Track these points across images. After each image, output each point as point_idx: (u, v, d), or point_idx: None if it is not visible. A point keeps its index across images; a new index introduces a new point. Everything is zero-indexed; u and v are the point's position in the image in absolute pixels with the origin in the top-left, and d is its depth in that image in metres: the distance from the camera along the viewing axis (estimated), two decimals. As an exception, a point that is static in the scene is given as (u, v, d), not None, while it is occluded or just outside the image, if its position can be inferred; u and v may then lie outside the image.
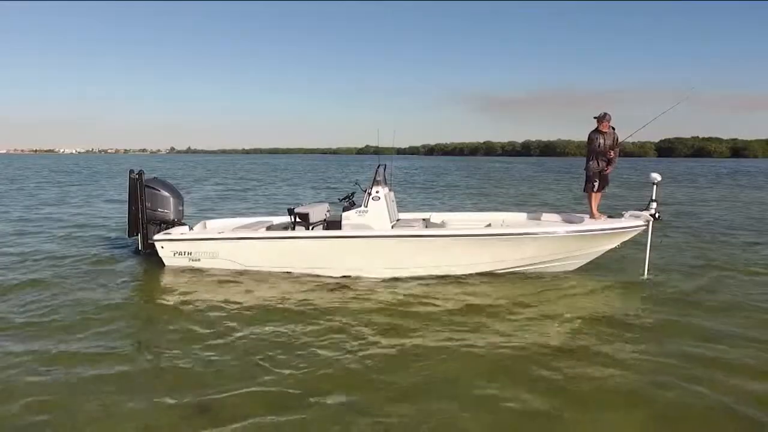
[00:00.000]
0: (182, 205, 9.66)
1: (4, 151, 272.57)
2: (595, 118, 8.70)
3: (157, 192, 9.29)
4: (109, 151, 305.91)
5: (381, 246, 8.35)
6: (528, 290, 7.85)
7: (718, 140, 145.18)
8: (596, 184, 8.80)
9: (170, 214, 9.31)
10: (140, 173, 9.31)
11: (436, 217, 9.78)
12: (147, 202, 9.17)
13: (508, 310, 6.99)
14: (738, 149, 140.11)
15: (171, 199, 9.35)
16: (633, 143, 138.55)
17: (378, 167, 8.85)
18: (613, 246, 8.59)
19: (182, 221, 9.63)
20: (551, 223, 9.05)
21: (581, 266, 8.79)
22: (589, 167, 8.80)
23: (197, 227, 9.76)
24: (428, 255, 8.32)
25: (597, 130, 8.70)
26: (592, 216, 8.81)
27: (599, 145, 8.59)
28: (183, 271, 8.75)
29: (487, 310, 6.99)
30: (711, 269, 9.13)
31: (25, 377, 5.02)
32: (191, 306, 7.19)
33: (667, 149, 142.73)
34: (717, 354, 5.49)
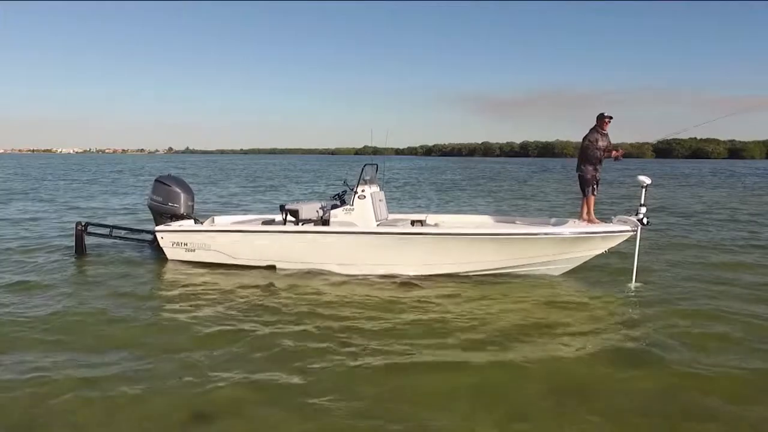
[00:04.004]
0: (192, 201, 10.23)
1: (1, 151, 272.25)
2: (606, 116, 8.37)
3: (168, 187, 9.98)
4: (107, 151, 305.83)
5: (363, 242, 8.50)
6: (514, 293, 7.84)
7: (716, 141, 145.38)
8: (595, 187, 8.56)
9: (180, 208, 9.91)
10: (86, 225, 10.28)
11: (432, 218, 9.82)
12: (159, 197, 9.91)
13: (493, 312, 6.99)
14: (736, 150, 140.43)
15: (182, 194, 9.98)
16: (631, 144, 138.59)
17: (365, 166, 8.96)
18: (601, 251, 8.43)
19: (191, 215, 10.08)
20: (538, 225, 9.00)
21: (568, 271, 8.69)
22: (587, 170, 8.52)
23: (207, 222, 10.24)
24: (412, 253, 8.41)
25: (599, 131, 8.42)
26: (590, 221, 8.61)
27: (600, 147, 8.31)
28: (180, 261, 9.38)
29: (471, 311, 7.00)
30: (699, 275, 8.99)
31: (12, 374, 5.09)
32: (180, 298, 7.52)
33: (665, 150, 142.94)
34: (706, 361, 5.47)
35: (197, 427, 4.24)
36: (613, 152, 8.44)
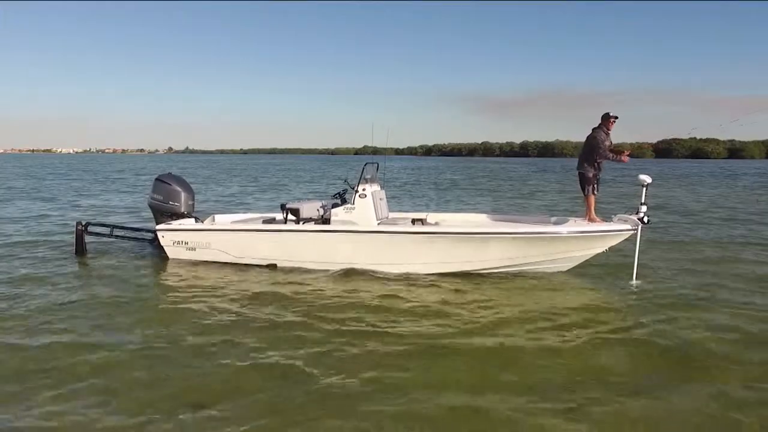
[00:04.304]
0: (193, 200, 10.24)
1: (1, 151, 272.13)
2: (612, 115, 8.41)
3: (169, 186, 9.99)
4: (106, 151, 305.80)
5: (364, 241, 8.56)
6: (514, 290, 7.88)
7: (716, 141, 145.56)
8: (595, 186, 8.59)
9: (180, 207, 9.93)
10: (86, 225, 10.30)
11: (432, 217, 9.86)
12: (159, 195, 9.92)
13: (494, 310, 7.02)
14: (736, 150, 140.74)
15: (182, 193, 9.99)
16: (630, 144, 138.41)
17: (365, 165, 9.00)
18: (601, 250, 8.46)
19: (192, 214, 10.10)
20: (539, 224, 9.01)
21: (569, 270, 8.72)
22: (589, 168, 8.53)
23: (207, 221, 10.26)
24: (413, 252, 8.45)
25: (603, 130, 8.45)
26: (590, 219, 8.64)
27: (605, 146, 8.34)
28: (181, 259, 9.40)
29: (471, 311, 7.03)
30: (700, 272, 9.04)
31: (17, 364, 5.17)
32: (180, 296, 7.54)
33: (664, 150, 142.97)
34: (707, 356, 5.51)
35: (198, 414, 4.30)
36: (624, 153, 8.40)
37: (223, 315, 6.68)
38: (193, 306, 7.06)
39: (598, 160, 8.49)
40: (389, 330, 6.18)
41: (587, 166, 8.59)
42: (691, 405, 4.52)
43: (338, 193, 9.38)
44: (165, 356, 5.40)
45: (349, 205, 8.69)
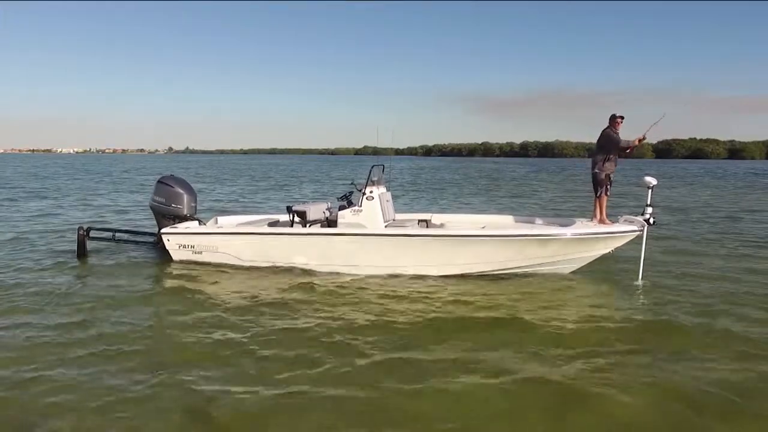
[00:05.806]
0: (195, 202, 10.12)
1: (1, 151, 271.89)
2: (618, 116, 8.60)
3: (171, 188, 9.83)
4: (106, 150, 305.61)
5: (372, 244, 8.57)
6: (520, 293, 7.91)
7: (716, 142, 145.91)
8: (608, 187, 8.69)
9: (183, 209, 9.80)
10: (88, 230, 10.27)
11: (437, 218, 9.88)
12: (161, 198, 9.77)
13: (500, 312, 7.06)
14: (736, 150, 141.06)
15: (184, 195, 9.84)
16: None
17: (372, 167, 9.02)
18: (607, 251, 8.54)
19: (195, 216, 10.02)
20: (543, 225, 9.04)
21: (574, 271, 8.77)
22: (605, 168, 8.62)
23: (210, 223, 10.20)
24: (420, 254, 8.47)
25: (612, 130, 8.59)
26: (600, 221, 8.73)
27: (618, 138, 8.45)
28: (187, 263, 9.27)
29: (479, 311, 7.08)
30: (705, 272, 9.13)
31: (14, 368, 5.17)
32: (187, 299, 7.54)
33: (664, 150, 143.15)
34: (712, 355, 5.56)
35: (198, 419, 4.32)
36: (638, 138, 8.57)
37: (227, 321, 6.60)
38: (197, 312, 6.99)
39: (614, 155, 8.60)
40: (396, 336, 6.18)
41: (601, 166, 8.69)
42: (693, 406, 4.55)
43: (344, 195, 9.38)
44: (167, 360, 5.39)
45: (356, 207, 8.70)
